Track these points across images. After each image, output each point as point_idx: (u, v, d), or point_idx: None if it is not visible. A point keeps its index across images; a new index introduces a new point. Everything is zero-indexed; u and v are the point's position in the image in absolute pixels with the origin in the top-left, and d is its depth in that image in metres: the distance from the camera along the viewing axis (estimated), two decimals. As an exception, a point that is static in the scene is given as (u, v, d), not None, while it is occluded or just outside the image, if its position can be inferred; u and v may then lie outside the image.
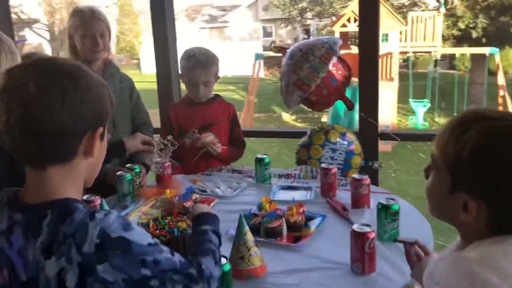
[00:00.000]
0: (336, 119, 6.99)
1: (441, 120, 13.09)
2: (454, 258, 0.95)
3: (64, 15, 19.13)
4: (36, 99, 0.90)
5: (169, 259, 0.97)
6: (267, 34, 27.57)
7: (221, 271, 1.13)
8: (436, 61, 19.38)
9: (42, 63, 0.98)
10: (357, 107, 2.50)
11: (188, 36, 19.02)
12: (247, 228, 1.38)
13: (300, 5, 17.36)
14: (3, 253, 0.96)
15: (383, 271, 1.35)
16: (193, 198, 1.83)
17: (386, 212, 1.52)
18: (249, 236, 1.37)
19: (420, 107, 11.04)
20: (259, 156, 2.12)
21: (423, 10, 15.79)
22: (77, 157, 0.98)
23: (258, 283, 1.33)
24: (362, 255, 1.34)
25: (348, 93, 2.34)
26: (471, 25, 14.59)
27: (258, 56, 12.37)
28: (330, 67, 2.23)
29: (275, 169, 2.23)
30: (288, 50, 2.35)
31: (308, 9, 17.25)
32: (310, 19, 18.08)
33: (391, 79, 12.47)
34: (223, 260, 1.22)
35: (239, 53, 17.88)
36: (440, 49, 13.10)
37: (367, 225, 1.37)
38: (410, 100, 11.31)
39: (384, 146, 6.46)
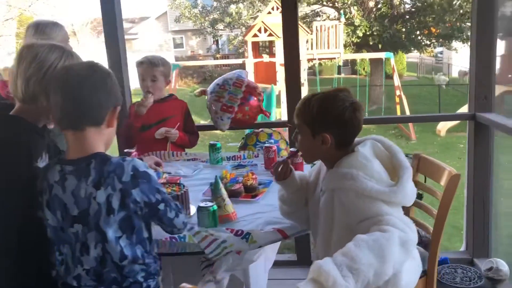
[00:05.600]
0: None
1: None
2: (334, 173, 1.55)
3: None
4: (87, 79, 1.36)
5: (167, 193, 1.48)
6: (177, 45, 27.79)
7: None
8: (339, 67, 20.82)
9: (90, 62, 1.42)
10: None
11: (93, 49, 18.48)
12: (221, 185, 1.86)
13: (211, 17, 17.88)
14: (57, 198, 1.37)
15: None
16: (163, 177, 2.26)
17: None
18: (223, 191, 1.85)
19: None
20: (212, 142, 2.59)
21: (324, 20, 16.98)
22: (103, 124, 1.40)
23: (233, 223, 1.81)
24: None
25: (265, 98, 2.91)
26: (367, 33, 16.01)
27: (174, 67, 12.72)
28: (243, 89, 2.85)
29: (223, 153, 2.69)
30: (208, 89, 2.96)
31: (219, 20, 17.81)
32: (221, 30, 18.68)
33: (301, 85, 13.36)
34: (211, 204, 1.70)
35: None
36: (342, 56, 14.24)
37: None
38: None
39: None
